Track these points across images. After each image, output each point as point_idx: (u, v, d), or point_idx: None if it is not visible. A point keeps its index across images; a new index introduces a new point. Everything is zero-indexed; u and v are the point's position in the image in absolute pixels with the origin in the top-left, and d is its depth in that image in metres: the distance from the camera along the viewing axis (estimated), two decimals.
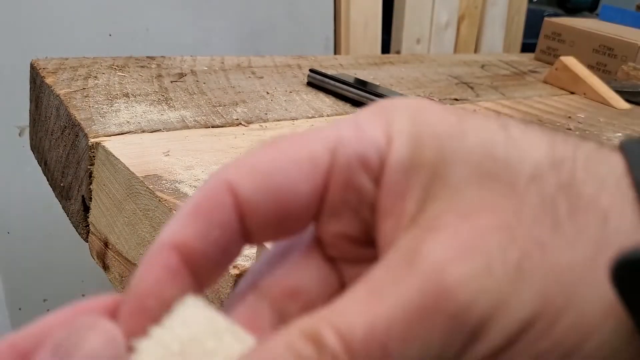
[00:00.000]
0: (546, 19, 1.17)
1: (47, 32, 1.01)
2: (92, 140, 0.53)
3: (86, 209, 0.56)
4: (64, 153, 0.59)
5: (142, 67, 0.75)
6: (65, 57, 0.73)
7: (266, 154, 0.20)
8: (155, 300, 0.19)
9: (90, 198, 0.55)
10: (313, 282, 0.21)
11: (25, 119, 0.73)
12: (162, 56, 0.81)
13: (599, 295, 0.17)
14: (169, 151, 0.53)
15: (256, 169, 0.19)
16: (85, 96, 0.62)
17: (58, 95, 0.61)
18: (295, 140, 0.20)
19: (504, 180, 0.18)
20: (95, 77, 0.68)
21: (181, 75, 0.75)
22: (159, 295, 0.19)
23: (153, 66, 0.76)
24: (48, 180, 0.65)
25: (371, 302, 0.17)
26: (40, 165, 0.67)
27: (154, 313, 0.19)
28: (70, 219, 0.60)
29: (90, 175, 0.54)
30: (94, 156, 0.53)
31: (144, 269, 0.19)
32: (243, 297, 0.21)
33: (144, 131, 0.57)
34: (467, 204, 0.18)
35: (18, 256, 1.08)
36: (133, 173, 0.48)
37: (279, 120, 0.65)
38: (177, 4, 1.15)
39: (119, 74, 0.71)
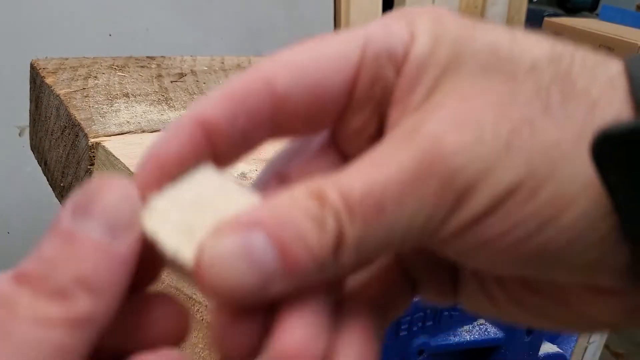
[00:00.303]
0: (546, 19, 1.17)
1: (47, 32, 1.01)
2: (92, 140, 0.53)
3: None
4: (64, 153, 0.59)
5: (142, 67, 0.75)
6: (65, 57, 0.73)
7: (302, 50, 0.21)
8: (172, 164, 0.20)
9: None
10: (328, 172, 0.22)
11: (25, 119, 0.73)
12: (162, 56, 0.81)
13: (580, 172, 0.18)
14: None
15: (292, 63, 0.21)
16: (85, 96, 0.62)
17: (58, 95, 0.61)
18: (327, 39, 0.22)
19: (504, 71, 0.20)
20: (95, 77, 0.68)
21: (181, 75, 0.75)
22: (177, 160, 0.20)
23: (153, 66, 0.76)
24: (48, 180, 0.65)
25: (371, 168, 0.19)
26: (41, 166, 0.67)
27: (170, 175, 0.20)
28: None
29: (91, 175, 0.54)
30: (94, 156, 0.53)
31: (166, 136, 0.20)
32: (265, 182, 0.23)
33: (144, 131, 0.57)
34: (469, 89, 0.20)
35: (18, 256, 1.08)
36: (133, 173, 0.47)
37: None
38: (177, 4, 1.15)
39: (119, 74, 0.71)
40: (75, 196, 0.19)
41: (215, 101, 0.21)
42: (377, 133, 0.22)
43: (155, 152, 0.20)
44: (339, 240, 0.18)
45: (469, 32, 0.21)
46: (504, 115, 0.19)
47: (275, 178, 0.23)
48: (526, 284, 0.22)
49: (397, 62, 0.21)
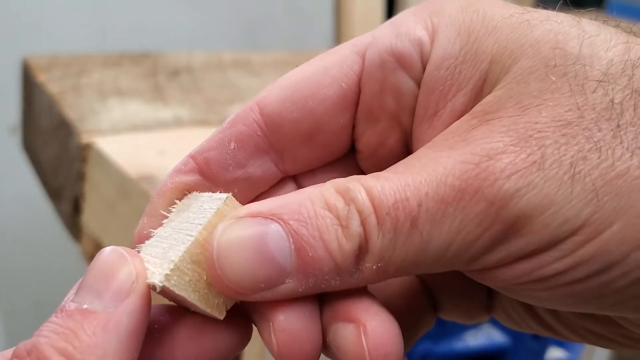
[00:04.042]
0: None
1: (39, 26, 0.99)
2: (84, 139, 0.52)
3: (79, 210, 0.55)
4: (56, 153, 0.58)
5: (136, 63, 0.74)
6: (58, 54, 0.71)
7: (297, 69, 0.20)
8: (167, 201, 0.20)
9: (83, 199, 0.54)
10: None
11: (17, 118, 0.72)
12: (157, 52, 0.79)
13: None
14: (163, 150, 0.51)
15: (283, 83, 0.20)
16: (78, 94, 0.61)
17: (50, 94, 0.60)
18: (328, 52, 0.20)
19: (572, 76, 0.17)
20: (88, 74, 0.67)
21: (177, 71, 0.74)
22: (171, 196, 0.20)
23: (148, 63, 0.75)
24: (40, 180, 0.64)
25: (408, 175, 0.17)
26: (32, 166, 0.66)
27: (166, 209, 0.20)
28: (62, 221, 0.59)
29: (83, 176, 0.53)
30: (86, 156, 0.52)
31: (168, 175, 0.21)
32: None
33: (138, 130, 0.55)
34: (529, 96, 0.17)
35: (9, 257, 1.07)
36: (127, 173, 0.46)
37: None
38: None
39: (112, 71, 0.70)
40: (85, 280, 0.18)
41: (210, 135, 0.20)
42: (401, 148, 0.21)
43: (156, 193, 0.21)
44: (363, 247, 0.17)
45: (518, 19, 0.18)
46: (569, 137, 0.16)
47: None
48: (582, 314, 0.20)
49: (411, 66, 0.19)
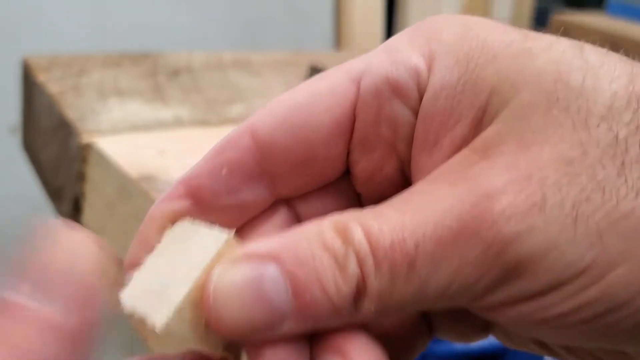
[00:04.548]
0: (554, 16, 1.15)
1: (39, 26, 0.99)
2: (84, 140, 0.52)
3: (79, 210, 0.55)
4: (56, 153, 0.58)
5: (136, 63, 0.74)
6: (58, 54, 0.71)
7: (289, 93, 0.20)
8: (158, 227, 0.20)
9: (83, 199, 0.54)
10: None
11: (17, 118, 0.72)
12: (157, 52, 0.79)
13: None
14: (164, 151, 0.51)
15: (276, 108, 0.19)
16: (78, 94, 0.61)
17: (50, 94, 0.60)
18: (320, 76, 0.20)
19: (575, 111, 0.16)
20: (88, 74, 0.67)
21: (177, 71, 0.74)
22: (162, 222, 0.20)
23: (148, 63, 0.75)
24: (40, 180, 0.64)
25: (406, 214, 0.16)
26: (32, 166, 0.66)
27: (157, 235, 0.19)
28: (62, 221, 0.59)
29: (83, 176, 0.53)
30: (86, 156, 0.52)
31: (159, 201, 0.20)
32: (281, 225, 0.21)
33: (138, 130, 0.55)
34: (531, 132, 0.16)
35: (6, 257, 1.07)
36: (127, 173, 0.46)
37: None
38: None
39: (112, 71, 0.70)
40: (35, 268, 0.15)
41: (201, 161, 0.20)
42: (397, 175, 0.20)
43: (144, 221, 0.20)
44: (360, 289, 0.16)
45: (519, 47, 0.17)
46: (572, 176, 0.16)
47: (292, 216, 0.21)
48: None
49: (407, 96, 0.18)
